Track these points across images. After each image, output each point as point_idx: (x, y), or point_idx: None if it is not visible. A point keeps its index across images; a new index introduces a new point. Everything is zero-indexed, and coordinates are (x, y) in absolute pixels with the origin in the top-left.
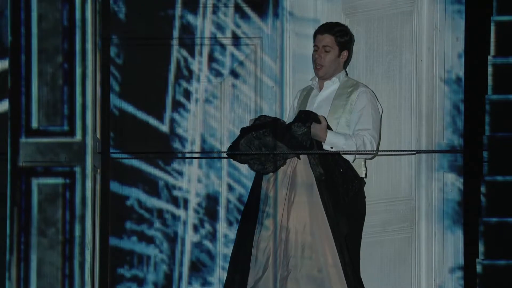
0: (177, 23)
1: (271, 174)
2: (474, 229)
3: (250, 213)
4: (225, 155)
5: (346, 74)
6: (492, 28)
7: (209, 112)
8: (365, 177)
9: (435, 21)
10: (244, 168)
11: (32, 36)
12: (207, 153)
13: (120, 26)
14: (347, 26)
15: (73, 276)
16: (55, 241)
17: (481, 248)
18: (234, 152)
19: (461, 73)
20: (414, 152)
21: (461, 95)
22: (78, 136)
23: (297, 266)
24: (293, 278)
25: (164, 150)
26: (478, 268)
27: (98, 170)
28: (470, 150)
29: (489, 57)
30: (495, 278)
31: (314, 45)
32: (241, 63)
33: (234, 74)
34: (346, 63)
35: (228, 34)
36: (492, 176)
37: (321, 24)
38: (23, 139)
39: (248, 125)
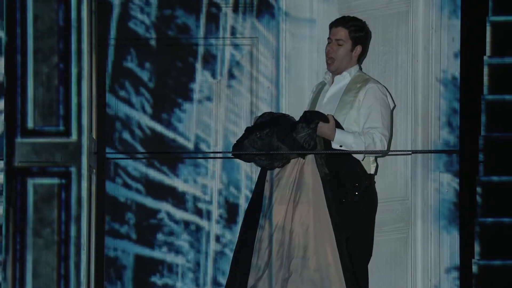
0: (174, 24)
1: (275, 174)
2: (470, 229)
3: (252, 212)
4: (223, 155)
5: (360, 69)
6: (488, 28)
7: (205, 112)
8: (375, 173)
9: (431, 21)
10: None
11: (27, 36)
12: (205, 153)
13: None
14: (364, 21)
15: (69, 277)
16: (51, 242)
17: (477, 248)
18: (237, 151)
19: (457, 73)
20: (410, 152)
21: (457, 95)
22: (74, 136)
23: (298, 268)
24: (293, 281)
25: (163, 151)
26: (474, 268)
27: (94, 170)
28: (466, 150)
29: (485, 57)
30: (491, 278)
31: (328, 38)
32: (237, 63)
33: (230, 74)
34: (361, 58)
35: (224, 34)
36: (488, 177)
37: (317, 24)
38: (18, 139)
39: (252, 123)
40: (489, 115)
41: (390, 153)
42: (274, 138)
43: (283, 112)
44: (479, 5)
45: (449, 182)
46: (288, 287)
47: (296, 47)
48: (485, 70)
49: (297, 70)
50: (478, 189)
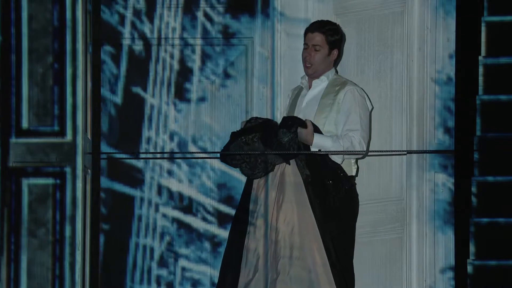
0: (169, 23)
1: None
2: (465, 229)
3: (241, 215)
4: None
5: (336, 72)
6: (483, 28)
7: (200, 113)
8: (357, 175)
9: (426, 21)
10: None
11: (22, 36)
12: (201, 153)
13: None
14: (338, 24)
15: (64, 277)
16: (46, 242)
17: (472, 248)
18: (227, 152)
19: (452, 74)
20: (405, 153)
21: (452, 95)
22: (69, 137)
23: (286, 268)
24: (282, 280)
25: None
26: (469, 269)
27: (89, 170)
28: (461, 151)
29: (480, 58)
30: (486, 279)
31: (304, 43)
32: (232, 64)
33: (225, 74)
34: (337, 62)
35: (220, 34)
36: (483, 177)
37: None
38: (13, 140)
39: (239, 128)
40: (484, 115)
41: (385, 153)
42: (260, 144)
43: (278, 111)
44: (474, 6)
45: (444, 182)
46: (277, 287)
47: (291, 47)
48: (480, 70)
49: (293, 70)
50: (473, 189)
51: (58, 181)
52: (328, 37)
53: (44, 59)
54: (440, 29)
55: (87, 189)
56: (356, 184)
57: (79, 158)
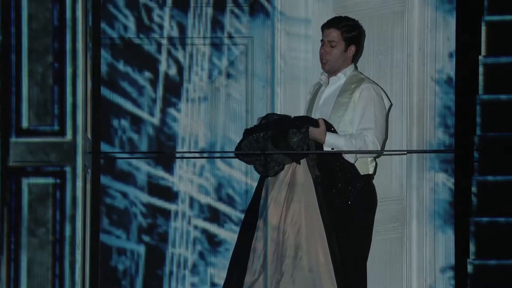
0: (167, 23)
1: (272, 177)
2: (465, 229)
3: (250, 215)
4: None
5: (356, 68)
6: (483, 28)
7: (200, 112)
8: (374, 173)
9: (426, 21)
10: None
11: (22, 35)
12: (202, 153)
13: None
14: (356, 20)
15: (64, 276)
16: (46, 241)
17: (472, 248)
18: (238, 152)
19: (452, 73)
20: (405, 152)
21: (452, 95)
22: (69, 136)
23: (290, 269)
24: (285, 282)
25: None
26: (469, 268)
27: (89, 170)
28: (461, 150)
29: (480, 57)
30: (486, 278)
31: (321, 40)
32: (232, 63)
33: (225, 73)
34: (356, 57)
35: (219, 33)
36: (483, 176)
37: (312, 23)
38: (13, 139)
39: (255, 124)
40: (484, 114)
41: (385, 153)
42: (268, 142)
43: (281, 113)
44: (474, 5)
45: (444, 182)
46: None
47: (291, 47)
48: (480, 69)
49: (292, 70)
50: (473, 189)
51: (58, 181)
52: (343, 33)
53: (44, 59)
54: (440, 29)
55: (87, 188)
56: (372, 183)
57: (79, 157)
